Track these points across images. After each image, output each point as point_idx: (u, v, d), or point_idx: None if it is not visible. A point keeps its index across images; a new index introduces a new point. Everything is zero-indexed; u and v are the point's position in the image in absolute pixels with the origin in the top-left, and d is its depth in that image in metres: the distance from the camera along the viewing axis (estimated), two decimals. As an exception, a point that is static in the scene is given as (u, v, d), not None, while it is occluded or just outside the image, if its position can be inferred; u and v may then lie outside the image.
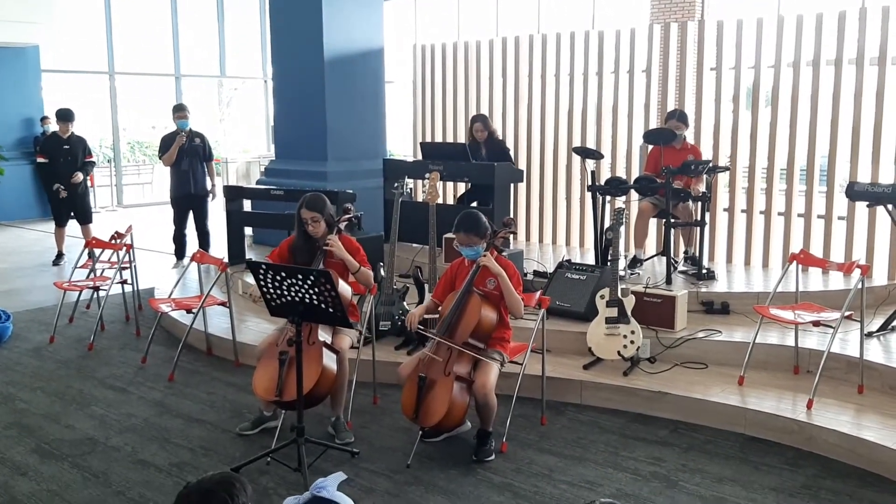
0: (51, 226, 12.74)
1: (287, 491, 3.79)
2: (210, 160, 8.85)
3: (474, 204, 7.63)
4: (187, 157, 8.59)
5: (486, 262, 4.17)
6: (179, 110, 8.68)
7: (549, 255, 7.71)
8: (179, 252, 8.85)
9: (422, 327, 4.41)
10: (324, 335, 4.26)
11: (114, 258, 7.05)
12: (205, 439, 4.45)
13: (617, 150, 8.00)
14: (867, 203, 5.65)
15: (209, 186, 8.82)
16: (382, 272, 5.65)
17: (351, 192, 7.13)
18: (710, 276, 6.33)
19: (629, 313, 5.00)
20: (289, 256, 4.58)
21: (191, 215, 8.81)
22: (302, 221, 4.48)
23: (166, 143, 8.65)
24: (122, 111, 16.08)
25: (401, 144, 15.58)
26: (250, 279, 5.71)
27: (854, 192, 5.59)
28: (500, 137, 7.92)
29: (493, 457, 4.15)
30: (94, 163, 9.52)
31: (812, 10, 6.75)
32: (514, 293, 4.18)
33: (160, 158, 8.81)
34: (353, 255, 4.51)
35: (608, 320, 5.02)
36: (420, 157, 8.20)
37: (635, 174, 7.57)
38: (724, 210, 7.40)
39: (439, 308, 4.48)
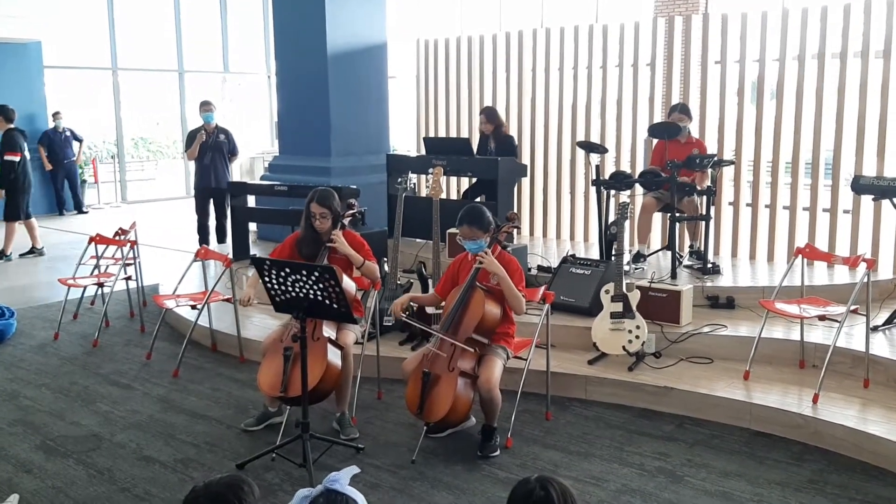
0: (54, 221, 12.81)
1: (292, 486, 3.79)
2: (234, 155, 9.15)
3: (478, 199, 7.61)
4: (210, 151, 8.86)
5: (485, 265, 4.15)
6: (206, 104, 8.94)
7: (553, 250, 7.70)
8: (203, 242, 9.01)
9: (403, 315, 4.39)
10: (328, 331, 4.26)
11: (118, 254, 7.05)
12: (210, 435, 4.45)
13: (621, 145, 7.97)
14: (872, 196, 5.63)
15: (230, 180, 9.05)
16: (386, 267, 5.65)
17: (354, 187, 7.12)
18: (716, 270, 6.31)
19: (634, 308, 4.99)
20: (292, 252, 4.58)
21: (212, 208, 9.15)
22: (310, 215, 4.47)
23: (191, 138, 8.99)
24: (126, 107, 16.08)
25: (404, 139, 15.55)
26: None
27: (859, 186, 5.58)
28: (508, 132, 7.90)
29: (497, 452, 4.15)
30: (11, 162, 9.15)
31: (817, 4, 6.72)
32: (515, 291, 4.16)
33: (185, 152, 9.17)
34: (357, 250, 4.51)
35: (613, 315, 5.01)
36: (423, 152, 8.19)
37: (640, 168, 7.56)
38: (730, 204, 7.38)
39: (442, 304, 4.48)
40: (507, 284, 4.15)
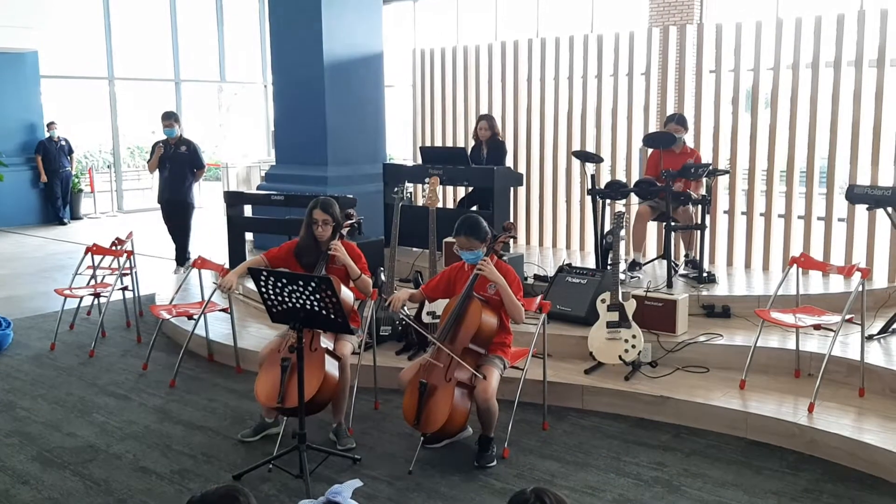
0: (51, 231, 12.81)
1: (289, 498, 3.79)
2: (199, 169, 8.70)
3: (474, 208, 7.63)
4: (170, 164, 8.52)
5: (485, 273, 4.16)
6: (166, 118, 8.57)
7: (549, 259, 7.71)
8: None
9: (403, 311, 4.39)
10: (326, 342, 4.26)
11: (114, 264, 7.05)
12: (206, 446, 4.45)
13: (616, 154, 8.01)
14: (867, 206, 5.65)
15: (193, 194, 8.74)
16: (383, 277, 5.65)
17: (351, 196, 7.14)
18: (711, 279, 6.32)
19: (630, 317, 5.00)
20: (290, 258, 4.58)
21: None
22: (312, 222, 4.47)
23: (153, 149, 8.69)
24: (122, 116, 16.09)
25: (400, 149, 15.58)
26: (251, 284, 5.74)
27: (854, 195, 5.59)
28: (502, 139, 7.94)
29: (494, 462, 4.15)
30: None
31: (811, 13, 6.76)
32: (514, 299, 4.17)
33: (147, 164, 8.86)
34: (355, 262, 4.51)
35: (609, 324, 5.02)
36: (420, 161, 8.21)
37: (635, 178, 7.57)
38: (725, 213, 7.40)
39: (425, 299, 4.50)
40: (506, 292, 4.16)
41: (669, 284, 6.14)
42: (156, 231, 12.03)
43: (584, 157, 6.86)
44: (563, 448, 4.36)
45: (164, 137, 8.62)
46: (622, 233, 5.31)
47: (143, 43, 16.34)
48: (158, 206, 8.88)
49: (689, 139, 7.02)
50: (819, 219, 6.91)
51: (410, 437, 4.40)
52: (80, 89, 17.21)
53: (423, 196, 7.53)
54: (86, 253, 6.79)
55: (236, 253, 7.91)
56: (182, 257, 8.76)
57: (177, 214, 8.70)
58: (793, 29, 6.79)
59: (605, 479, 3.98)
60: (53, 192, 13.66)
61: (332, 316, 3.73)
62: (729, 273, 6.96)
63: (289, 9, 8.78)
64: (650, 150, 7.10)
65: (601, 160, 7.20)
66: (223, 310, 5.75)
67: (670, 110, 7.42)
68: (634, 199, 7.08)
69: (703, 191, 6.51)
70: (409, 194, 9.27)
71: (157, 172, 8.74)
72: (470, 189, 7.94)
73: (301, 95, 8.76)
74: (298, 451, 3.85)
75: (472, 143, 8.84)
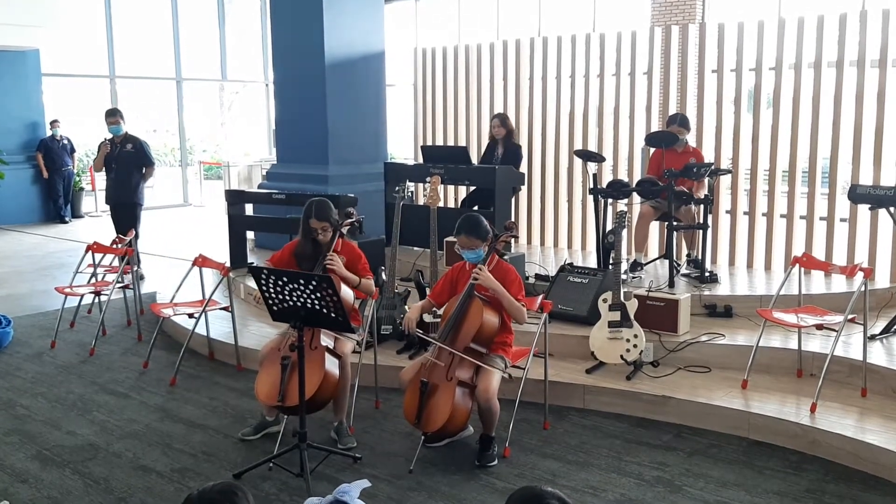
0: (52, 229, 12.80)
1: (290, 496, 3.78)
2: (149, 166, 8.42)
3: (475, 207, 7.62)
4: (116, 163, 8.25)
5: (480, 281, 4.13)
6: (111, 115, 8.29)
7: (550, 259, 7.70)
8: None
9: (420, 330, 4.39)
10: (326, 340, 4.25)
11: (115, 262, 7.04)
12: (207, 445, 4.44)
13: (618, 153, 7.99)
14: (869, 206, 5.64)
15: (142, 194, 8.43)
16: (384, 276, 5.64)
17: (352, 195, 7.13)
18: (713, 279, 6.31)
19: (632, 317, 4.99)
20: (291, 261, 4.56)
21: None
22: (310, 230, 4.44)
23: (99, 148, 8.44)
24: (124, 115, 16.06)
25: (402, 148, 15.58)
26: (252, 283, 5.74)
27: (856, 195, 5.58)
28: (517, 141, 7.93)
29: (495, 462, 4.14)
30: None
31: (813, 13, 6.75)
32: (513, 302, 4.15)
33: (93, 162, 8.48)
34: (355, 263, 4.48)
35: (611, 324, 5.01)
36: (421, 160, 8.20)
37: (637, 177, 7.56)
38: (727, 212, 7.39)
39: (434, 308, 4.48)
40: (505, 298, 4.13)
41: (671, 284, 6.13)
42: (155, 230, 12.06)
43: (585, 156, 6.85)
44: (565, 447, 4.35)
45: (112, 136, 8.31)
46: (624, 232, 5.29)
47: (145, 41, 16.33)
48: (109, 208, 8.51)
49: (691, 139, 7.01)
50: (821, 219, 6.90)
51: (411, 436, 4.39)
52: (82, 87, 17.21)
53: (424, 195, 7.52)
54: (86, 251, 6.78)
55: (237, 251, 7.89)
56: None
57: (126, 216, 8.26)
58: (795, 29, 6.78)
59: (606, 479, 3.97)
60: (55, 191, 13.68)
61: (333, 314, 3.72)
62: (731, 273, 6.94)
63: (290, 7, 8.77)
64: (652, 150, 7.08)
65: (603, 159, 7.18)
66: (224, 308, 5.74)
67: (672, 110, 7.40)
68: (636, 198, 7.07)
69: (705, 190, 6.50)
70: (410, 193, 9.26)
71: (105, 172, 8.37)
72: (472, 188, 7.93)
73: (302, 94, 8.75)
74: (299, 449, 3.84)
75: (475, 142, 8.86)
